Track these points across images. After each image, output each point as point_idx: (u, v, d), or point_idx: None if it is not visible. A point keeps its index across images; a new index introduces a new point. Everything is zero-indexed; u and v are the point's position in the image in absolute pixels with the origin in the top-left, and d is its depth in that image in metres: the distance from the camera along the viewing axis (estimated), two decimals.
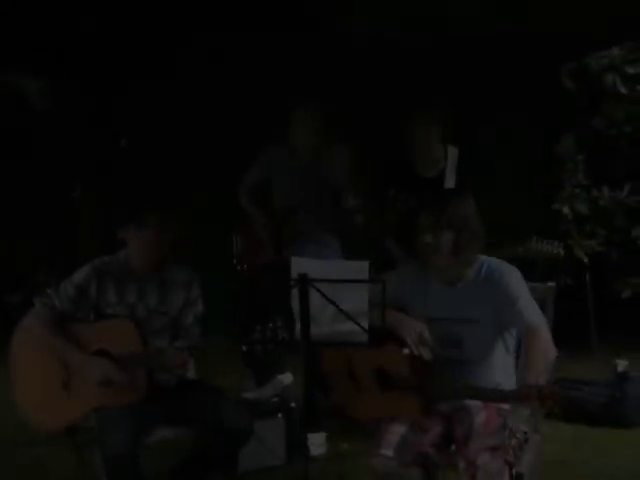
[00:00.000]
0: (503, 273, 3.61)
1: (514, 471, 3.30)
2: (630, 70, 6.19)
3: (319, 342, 3.46)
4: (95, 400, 3.83)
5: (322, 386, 3.86)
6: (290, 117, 5.30)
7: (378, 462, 3.42)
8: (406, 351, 3.52)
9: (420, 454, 3.45)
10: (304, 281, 3.36)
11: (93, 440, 3.82)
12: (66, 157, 6.67)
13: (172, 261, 4.06)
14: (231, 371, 5.60)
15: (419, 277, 3.72)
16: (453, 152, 5.16)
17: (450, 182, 5.10)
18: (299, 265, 3.43)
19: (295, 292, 3.39)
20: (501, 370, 3.65)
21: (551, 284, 3.93)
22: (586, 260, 6.28)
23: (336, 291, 3.37)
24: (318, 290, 3.36)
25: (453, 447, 3.52)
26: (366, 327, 3.39)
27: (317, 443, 4.71)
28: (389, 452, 3.42)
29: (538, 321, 3.52)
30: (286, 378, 5.40)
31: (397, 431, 3.48)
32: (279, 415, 4.72)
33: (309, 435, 4.45)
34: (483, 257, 3.67)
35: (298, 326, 3.40)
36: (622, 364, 5.26)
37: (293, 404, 4.79)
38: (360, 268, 3.43)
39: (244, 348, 3.54)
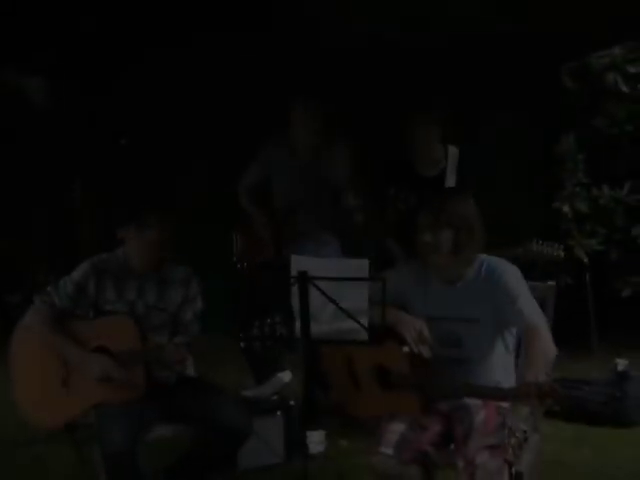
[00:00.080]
0: (503, 272, 3.61)
1: (513, 470, 3.30)
2: (631, 69, 6.19)
3: (319, 340, 3.46)
4: (94, 397, 3.84)
5: (322, 384, 3.86)
6: (290, 117, 5.30)
7: (377, 460, 3.42)
8: (406, 349, 3.52)
9: (419, 452, 3.45)
10: (304, 279, 3.37)
11: (93, 437, 3.83)
12: (66, 156, 6.67)
13: (171, 259, 4.06)
14: (231, 369, 5.60)
15: (419, 276, 3.72)
16: (453, 152, 5.17)
17: (451, 182, 5.10)
18: (299, 263, 3.43)
19: (295, 290, 3.39)
20: (501, 369, 3.65)
21: (551, 283, 3.93)
22: (586, 259, 6.28)
23: (336, 289, 3.37)
24: (318, 288, 3.36)
25: (452, 446, 3.51)
26: (366, 325, 3.39)
27: (316, 441, 4.71)
28: (388, 450, 3.41)
29: (538, 320, 3.51)
30: (285, 376, 5.40)
31: (396, 429, 3.48)
32: (278, 413, 4.71)
33: (308, 433, 4.46)
34: (483, 256, 3.67)
35: (298, 324, 3.41)
36: (622, 363, 5.27)
37: (292, 402, 4.79)
38: (360, 266, 3.43)
39: (242, 344, 3.54)
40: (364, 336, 3.40)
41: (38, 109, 7.06)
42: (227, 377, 5.32)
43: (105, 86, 6.96)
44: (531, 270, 4.01)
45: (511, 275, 3.61)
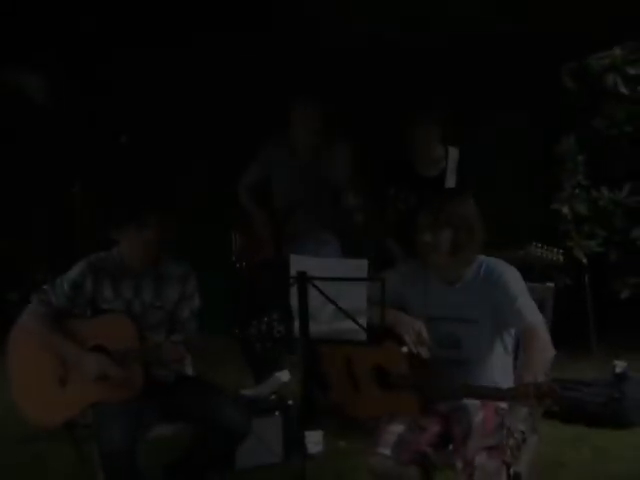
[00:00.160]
0: (502, 273, 3.61)
1: (512, 471, 3.29)
2: (631, 71, 6.18)
3: (318, 340, 3.46)
4: (92, 396, 3.84)
5: (321, 384, 3.86)
6: (290, 116, 5.30)
7: (376, 461, 3.42)
8: (404, 349, 3.52)
9: (418, 453, 3.44)
10: (303, 279, 3.37)
11: (92, 435, 3.83)
12: (66, 156, 6.67)
13: (168, 256, 4.07)
14: (230, 369, 5.60)
15: (418, 276, 3.72)
16: (454, 152, 5.17)
17: (451, 182, 5.11)
18: (298, 263, 3.43)
19: (294, 290, 3.39)
20: (499, 370, 3.65)
21: (550, 284, 3.93)
22: (585, 261, 6.28)
23: (335, 289, 3.37)
24: (317, 288, 3.36)
25: (451, 447, 3.51)
26: (365, 325, 3.39)
27: (314, 441, 4.71)
28: (387, 451, 3.41)
29: (537, 321, 3.51)
30: (284, 376, 5.40)
31: (395, 430, 3.48)
32: (276, 413, 4.71)
33: (306, 433, 4.46)
34: (482, 257, 3.67)
35: (297, 324, 3.41)
36: (620, 365, 5.26)
37: (290, 402, 4.79)
38: (359, 266, 3.43)
39: (239, 335, 3.55)
40: (363, 336, 3.41)
41: (38, 108, 7.05)
42: (226, 377, 5.32)
43: (105, 85, 6.95)
44: (530, 271, 4.00)
45: (510, 276, 3.60)
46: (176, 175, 7.01)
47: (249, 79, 6.93)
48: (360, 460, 3.70)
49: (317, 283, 3.37)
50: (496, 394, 3.47)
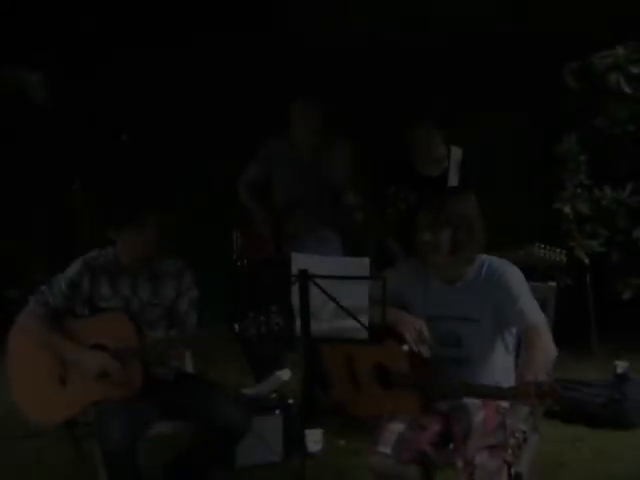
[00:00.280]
0: (504, 272, 3.61)
1: (512, 470, 3.29)
2: (634, 70, 6.18)
3: (319, 338, 3.45)
4: (93, 394, 3.84)
5: (322, 382, 3.85)
6: (290, 116, 5.31)
7: (376, 459, 3.42)
8: (405, 348, 3.51)
9: (418, 452, 3.43)
10: (304, 277, 3.36)
11: (93, 433, 3.82)
12: (66, 155, 6.66)
13: (162, 254, 4.06)
14: (230, 368, 5.60)
15: (419, 275, 3.71)
16: (456, 152, 5.16)
17: (453, 182, 5.10)
18: (299, 261, 3.43)
19: (295, 288, 3.38)
20: (501, 369, 3.64)
21: (552, 284, 3.93)
22: (587, 261, 6.27)
23: (336, 287, 3.37)
24: (318, 286, 3.36)
25: (451, 446, 3.50)
26: (366, 324, 3.38)
27: (315, 440, 4.71)
28: (387, 450, 3.41)
29: (538, 320, 3.51)
30: (284, 374, 5.40)
31: (395, 429, 3.47)
32: (277, 411, 4.71)
33: (307, 432, 4.46)
34: (484, 256, 3.66)
35: (298, 322, 3.40)
36: (621, 365, 5.25)
37: (291, 400, 4.78)
38: (361, 265, 3.43)
39: (236, 328, 3.54)
40: (364, 335, 3.40)
41: (38, 108, 7.04)
42: (227, 376, 5.33)
43: (105, 85, 6.95)
44: (532, 271, 3.99)
45: (512, 275, 3.60)
46: (176, 175, 7.01)
47: (249, 79, 6.92)
48: (360, 459, 3.70)
49: (318, 281, 3.36)
50: (497, 393, 3.47)
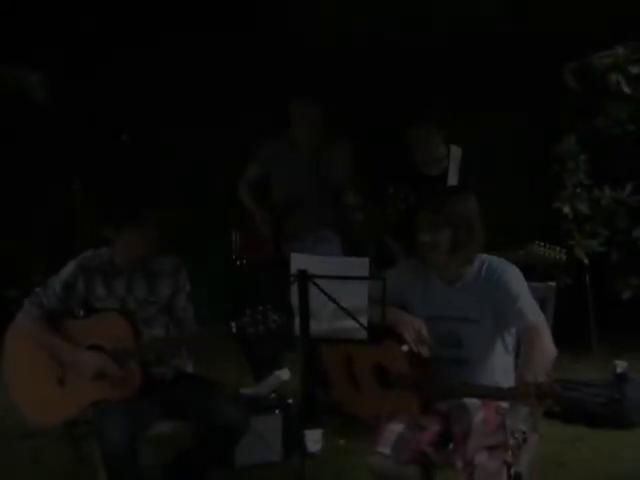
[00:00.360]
0: (503, 272, 3.60)
1: (512, 471, 3.28)
2: (634, 70, 6.18)
3: (318, 338, 3.45)
4: (91, 395, 3.83)
5: (321, 382, 3.85)
6: (290, 116, 5.31)
7: (375, 460, 3.41)
8: (405, 348, 3.51)
9: (418, 452, 3.43)
10: (303, 277, 3.36)
11: (92, 433, 3.82)
12: (66, 155, 6.66)
13: (157, 252, 4.05)
14: (230, 368, 5.60)
15: (419, 275, 3.71)
16: (456, 151, 5.16)
17: (453, 181, 5.10)
18: (299, 261, 3.43)
19: (294, 288, 3.38)
20: (500, 369, 3.64)
21: (551, 284, 3.93)
22: (586, 260, 6.27)
23: (336, 288, 3.36)
24: (318, 286, 3.35)
25: (451, 446, 3.50)
26: (365, 324, 3.38)
27: (314, 440, 4.70)
28: (387, 450, 3.40)
29: (538, 320, 3.51)
30: (284, 374, 5.40)
31: (395, 429, 3.47)
32: (276, 411, 4.70)
33: (306, 432, 4.45)
34: (484, 256, 3.66)
35: (297, 322, 3.40)
36: (621, 365, 5.25)
37: (290, 400, 4.78)
38: (360, 265, 3.42)
39: (233, 327, 3.54)
40: (363, 335, 3.40)
41: (38, 108, 7.04)
42: (226, 375, 5.32)
43: (105, 85, 6.95)
44: (531, 271, 3.99)
45: (511, 275, 3.59)
46: (176, 175, 7.01)
47: (250, 79, 6.92)
48: (360, 459, 3.69)
49: (318, 281, 3.36)
50: (497, 393, 3.47)
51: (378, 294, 3.35)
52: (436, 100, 5.69)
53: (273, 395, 4.97)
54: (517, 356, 3.72)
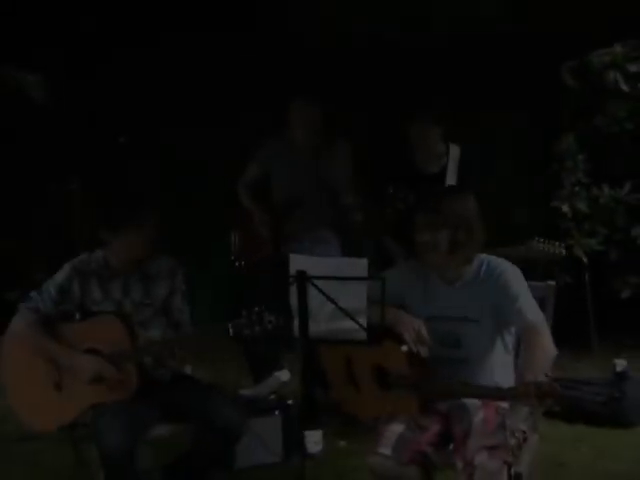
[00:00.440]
0: (503, 271, 3.60)
1: (512, 471, 3.29)
2: (632, 68, 6.18)
3: (317, 339, 3.45)
4: (88, 399, 3.83)
5: (321, 383, 3.85)
6: (290, 116, 5.31)
7: (376, 461, 3.41)
8: (404, 348, 3.51)
9: (418, 453, 3.43)
10: (302, 278, 3.36)
11: (91, 436, 3.81)
12: (66, 155, 6.67)
13: (153, 254, 4.05)
14: (229, 369, 5.60)
15: (418, 275, 3.71)
16: (455, 150, 5.17)
17: (451, 180, 5.11)
18: (297, 262, 3.42)
19: (293, 289, 3.38)
20: (500, 369, 3.64)
21: (551, 283, 3.92)
22: (585, 259, 6.28)
23: (335, 288, 3.36)
24: (317, 287, 3.35)
25: (451, 446, 3.49)
26: (364, 324, 3.38)
27: (314, 441, 4.70)
28: (387, 451, 3.40)
29: (538, 320, 3.51)
30: (283, 375, 5.40)
31: (395, 430, 3.47)
32: (276, 412, 4.70)
33: (306, 433, 4.45)
34: (483, 255, 3.66)
35: (296, 323, 3.40)
36: (621, 364, 5.25)
37: (290, 401, 4.77)
38: (359, 265, 3.41)
39: (230, 328, 3.55)
40: (363, 336, 3.39)
41: (38, 108, 7.05)
42: (226, 376, 5.33)
43: (105, 85, 6.95)
44: (531, 270, 4.00)
45: (511, 275, 3.59)
46: (175, 175, 7.01)
47: (250, 79, 6.92)
48: (360, 460, 3.69)
49: (317, 282, 3.36)
50: (497, 393, 3.47)
51: (377, 294, 3.34)
52: (436, 100, 5.69)
53: (273, 396, 4.97)
54: (517, 356, 3.71)
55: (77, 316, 4.00)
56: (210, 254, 6.13)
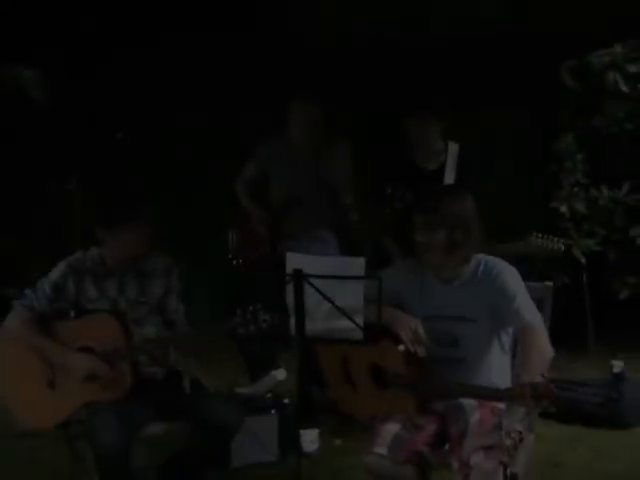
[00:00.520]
0: (500, 272, 3.60)
1: (508, 471, 3.29)
2: (632, 68, 6.18)
3: (314, 338, 3.45)
4: (82, 397, 3.82)
5: (318, 382, 3.85)
6: (290, 116, 5.31)
7: (372, 460, 3.41)
8: (401, 348, 3.51)
9: (414, 452, 3.43)
10: (299, 277, 3.36)
11: (85, 434, 3.81)
12: (66, 154, 6.67)
13: (148, 252, 4.04)
14: (225, 367, 5.60)
15: (415, 275, 3.70)
16: (454, 148, 5.17)
17: (450, 178, 5.11)
18: (294, 261, 3.42)
19: (290, 288, 3.38)
20: (497, 369, 3.63)
21: (548, 283, 3.92)
22: (583, 260, 6.28)
23: (332, 287, 3.36)
24: (313, 286, 3.35)
25: (447, 446, 3.49)
26: (361, 324, 3.38)
27: (310, 440, 4.70)
28: (383, 450, 3.40)
29: (535, 320, 3.50)
30: (279, 374, 5.40)
31: (391, 429, 3.46)
32: (272, 411, 4.70)
33: (302, 432, 4.45)
34: (480, 255, 3.65)
35: (293, 322, 3.40)
36: (618, 365, 5.25)
37: (286, 400, 4.78)
38: (356, 264, 3.41)
39: (225, 327, 3.55)
40: (359, 335, 3.39)
41: (38, 108, 7.05)
42: (222, 375, 5.32)
43: (105, 85, 6.96)
44: (529, 269, 4.00)
45: (508, 275, 3.59)
46: (175, 174, 7.02)
47: (250, 79, 6.93)
48: (356, 459, 3.69)
49: (313, 281, 3.36)
50: (493, 394, 3.47)
51: (374, 294, 3.33)
52: (436, 100, 5.69)
53: (269, 395, 4.97)
54: (514, 356, 3.71)
55: (72, 314, 3.99)
56: (207, 252, 6.14)
